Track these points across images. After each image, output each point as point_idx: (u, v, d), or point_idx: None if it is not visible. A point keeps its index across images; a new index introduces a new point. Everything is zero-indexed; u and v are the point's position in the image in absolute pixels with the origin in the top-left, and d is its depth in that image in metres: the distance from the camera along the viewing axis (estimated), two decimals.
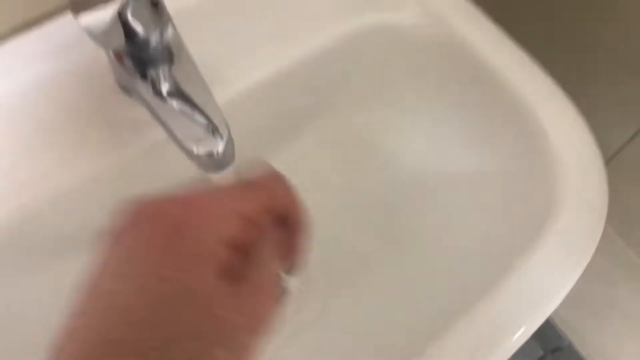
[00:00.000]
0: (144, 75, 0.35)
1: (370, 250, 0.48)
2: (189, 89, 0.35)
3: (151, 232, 0.22)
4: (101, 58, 0.38)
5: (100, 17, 0.33)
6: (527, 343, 0.39)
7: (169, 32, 0.34)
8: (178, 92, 0.35)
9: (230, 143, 0.36)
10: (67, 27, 0.42)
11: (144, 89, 0.35)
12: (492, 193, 0.47)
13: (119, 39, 0.33)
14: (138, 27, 0.32)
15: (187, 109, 0.35)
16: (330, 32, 0.46)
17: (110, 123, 0.41)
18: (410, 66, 0.49)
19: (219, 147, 0.35)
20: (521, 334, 0.38)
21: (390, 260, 0.48)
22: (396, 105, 0.51)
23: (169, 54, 0.35)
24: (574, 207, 0.41)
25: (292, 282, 0.37)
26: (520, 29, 0.59)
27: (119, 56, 0.36)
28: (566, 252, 0.40)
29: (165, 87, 0.35)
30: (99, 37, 0.34)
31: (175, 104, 0.35)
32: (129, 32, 0.32)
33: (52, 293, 0.34)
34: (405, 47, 0.48)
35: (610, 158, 0.77)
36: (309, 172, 0.51)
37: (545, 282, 0.40)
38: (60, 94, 0.41)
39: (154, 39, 0.33)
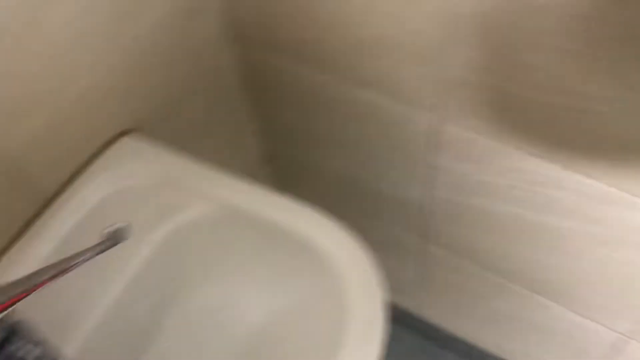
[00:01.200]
0: None
1: None
2: None
3: None
4: None
5: None
6: None
7: None
8: None
9: None
10: None
11: None
12: (307, 320, 0.58)
13: None
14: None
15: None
16: (149, 239, 0.56)
17: None
18: (218, 244, 0.61)
19: None
20: None
21: None
22: (222, 277, 0.62)
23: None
24: (360, 314, 0.53)
25: None
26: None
27: None
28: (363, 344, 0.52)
29: None
30: None
31: None
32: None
33: None
34: (205, 232, 0.60)
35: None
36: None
37: None
38: None
39: None
